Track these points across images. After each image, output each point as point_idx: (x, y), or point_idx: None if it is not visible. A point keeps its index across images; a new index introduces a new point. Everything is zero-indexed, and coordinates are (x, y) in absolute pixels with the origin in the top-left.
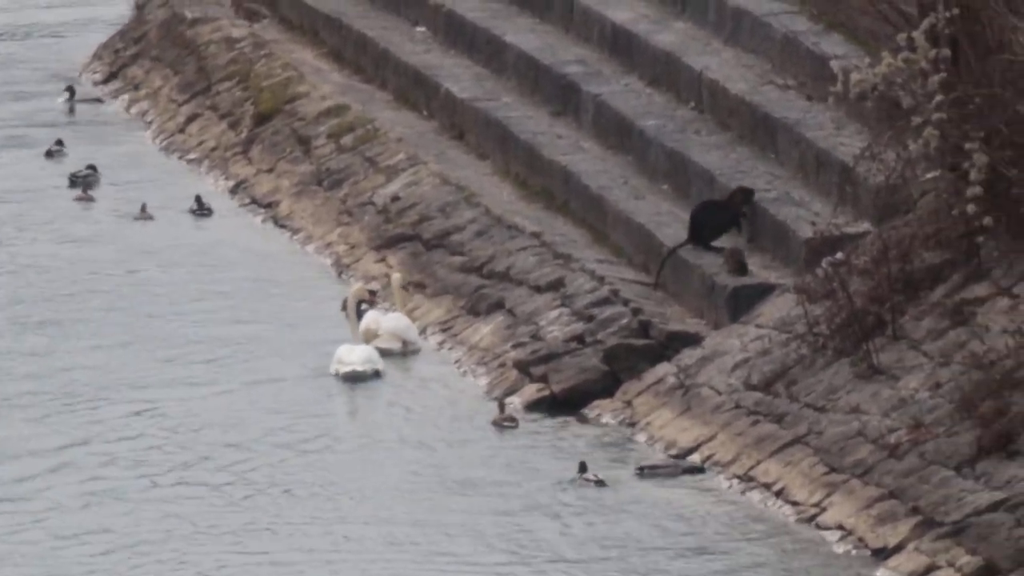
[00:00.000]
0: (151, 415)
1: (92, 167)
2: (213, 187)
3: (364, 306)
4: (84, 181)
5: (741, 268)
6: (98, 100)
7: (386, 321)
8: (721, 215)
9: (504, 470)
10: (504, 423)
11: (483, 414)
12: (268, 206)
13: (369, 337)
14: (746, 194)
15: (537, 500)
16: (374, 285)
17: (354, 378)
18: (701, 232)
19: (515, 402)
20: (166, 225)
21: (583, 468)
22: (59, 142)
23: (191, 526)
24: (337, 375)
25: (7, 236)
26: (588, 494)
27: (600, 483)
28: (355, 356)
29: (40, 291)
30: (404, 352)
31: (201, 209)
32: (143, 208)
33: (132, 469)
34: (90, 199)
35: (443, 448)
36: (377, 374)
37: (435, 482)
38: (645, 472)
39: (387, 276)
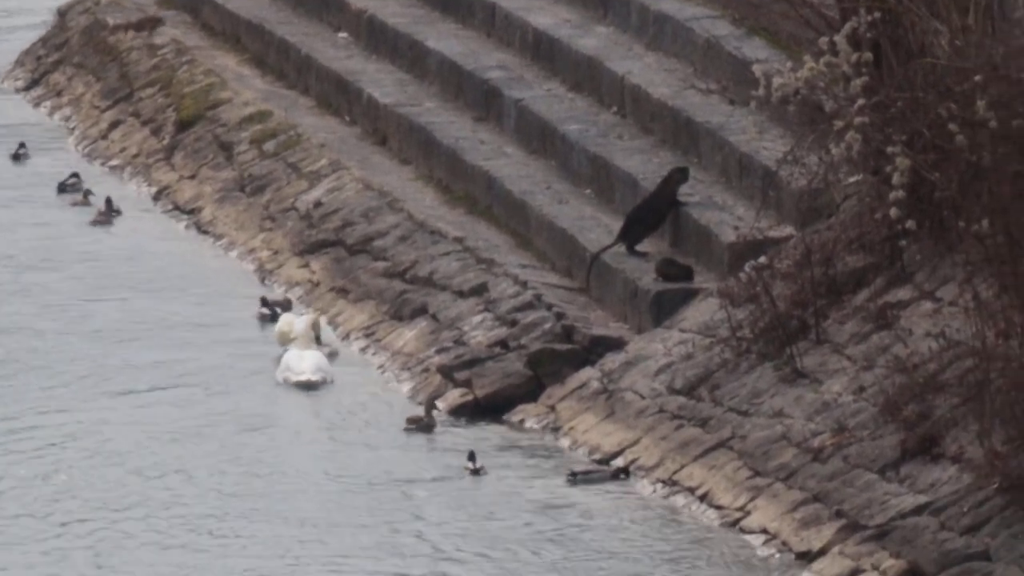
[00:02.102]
0: (72, 425)
1: (76, 174)
2: (136, 193)
3: (277, 310)
4: (74, 187)
5: (679, 273)
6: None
7: (300, 323)
8: (651, 214)
9: (416, 473)
10: (415, 424)
11: (402, 419)
12: (191, 212)
13: (283, 340)
14: (682, 172)
15: (451, 500)
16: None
17: (307, 387)
18: (628, 233)
19: (439, 407)
20: (87, 231)
21: (471, 457)
22: (75, 175)
23: (104, 532)
24: (287, 383)
25: None
26: (502, 498)
27: (476, 472)
28: (305, 364)
29: None
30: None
31: (110, 211)
32: (104, 206)
33: (52, 481)
34: (88, 204)
35: (359, 452)
36: (326, 383)
37: (347, 485)
38: (578, 478)
39: (310, 282)
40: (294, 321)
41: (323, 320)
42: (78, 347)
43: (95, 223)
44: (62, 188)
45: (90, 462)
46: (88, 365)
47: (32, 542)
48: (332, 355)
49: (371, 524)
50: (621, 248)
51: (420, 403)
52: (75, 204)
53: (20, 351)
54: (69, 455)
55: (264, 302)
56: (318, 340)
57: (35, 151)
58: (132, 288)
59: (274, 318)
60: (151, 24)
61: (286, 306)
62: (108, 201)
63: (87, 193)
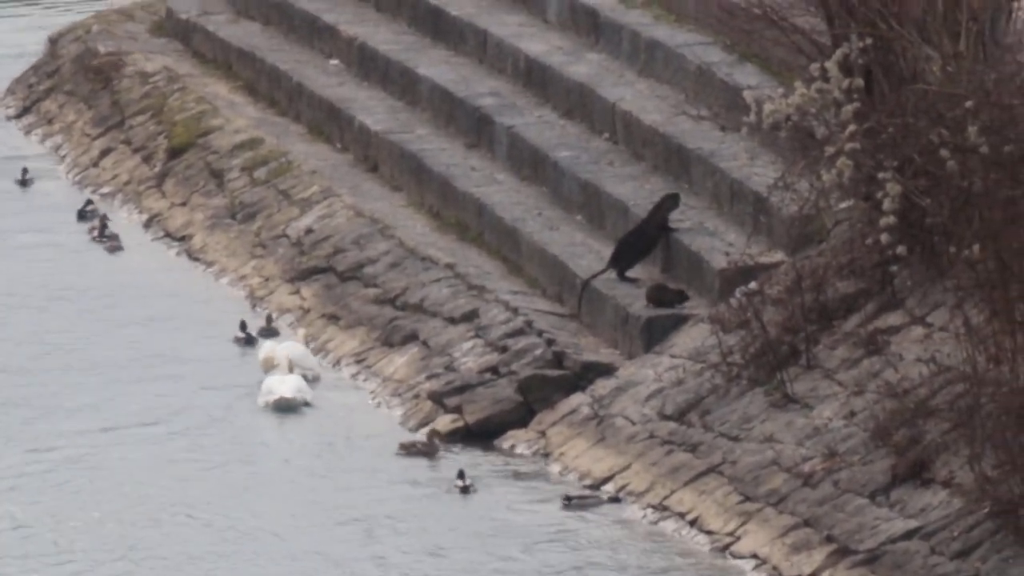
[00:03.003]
0: (64, 447)
1: (90, 200)
2: (126, 220)
3: (252, 334)
4: (92, 214)
5: (672, 298)
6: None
7: (282, 350)
8: (642, 240)
9: (408, 500)
10: (408, 450)
11: (394, 445)
12: (182, 239)
13: (267, 366)
14: (673, 199)
15: (440, 525)
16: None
17: (283, 407)
18: (620, 259)
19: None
20: (77, 259)
21: (461, 475)
22: (90, 201)
23: (90, 557)
24: (267, 405)
25: None
26: (493, 524)
27: (466, 489)
28: (285, 386)
29: None
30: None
31: (85, 208)
32: (109, 235)
33: (43, 500)
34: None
35: (349, 478)
36: (306, 404)
37: (338, 511)
38: (573, 503)
39: (301, 308)
40: (277, 348)
41: (299, 349)
42: (64, 376)
43: (111, 249)
44: (82, 215)
45: (79, 497)
46: (74, 394)
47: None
48: (313, 380)
49: (363, 548)
50: (612, 274)
51: (411, 429)
52: (94, 230)
53: (6, 381)
54: (55, 489)
55: (243, 326)
56: (290, 370)
57: (35, 180)
58: (122, 315)
59: (249, 341)
60: (114, 66)
61: (270, 332)
62: (103, 220)
63: (104, 219)
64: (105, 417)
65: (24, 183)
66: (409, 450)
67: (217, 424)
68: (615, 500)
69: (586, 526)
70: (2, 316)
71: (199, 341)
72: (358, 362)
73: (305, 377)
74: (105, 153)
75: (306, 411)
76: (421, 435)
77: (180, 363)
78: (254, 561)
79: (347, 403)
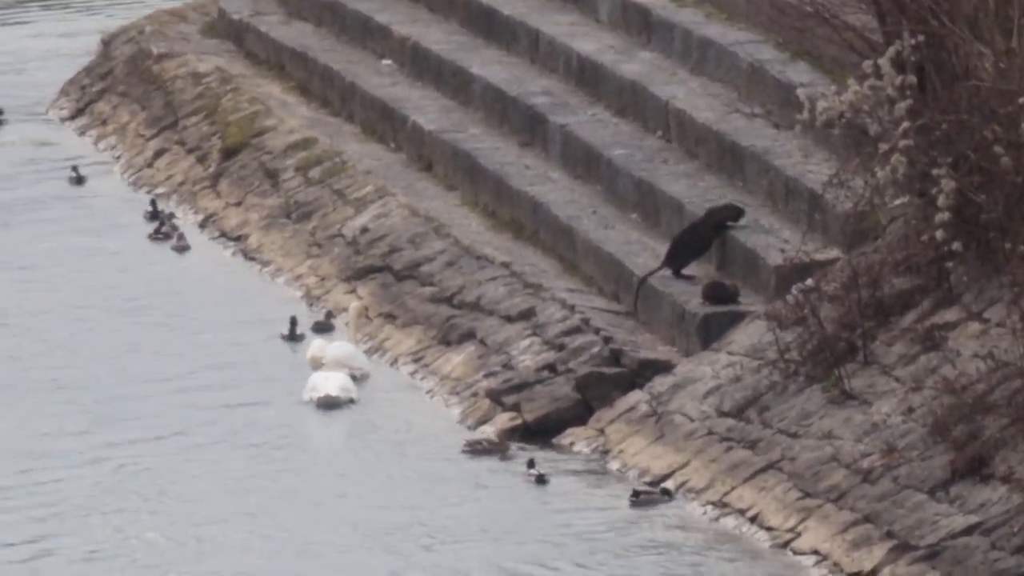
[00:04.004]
0: (121, 444)
1: (153, 201)
2: (182, 221)
3: (297, 330)
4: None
5: (726, 295)
6: None
7: (331, 350)
8: (696, 239)
9: (477, 499)
10: (474, 448)
11: (455, 443)
12: (237, 239)
13: (315, 365)
14: (736, 211)
15: (511, 526)
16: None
17: (328, 404)
18: (675, 257)
19: (488, 431)
20: (135, 260)
21: (531, 464)
22: (153, 202)
23: (154, 555)
24: (312, 401)
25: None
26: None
27: (541, 479)
28: (331, 384)
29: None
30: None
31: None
32: (178, 235)
33: (99, 495)
34: (175, 228)
35: (414, 478)
36: (352, 402)
37: (404, 511)
38: (641, 498)
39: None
40: (325, 346)
41: (347, 347)
42: (116, 371)
43: (178, 248)
44: (154, 216)
45: (131, 498)
46: (123, 392)
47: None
48: (362, 378)
49: (442, 544)
50: (668, 272)
51: (469, 427)
52: (161, 231)
53: (61, 374)
54: (107, 487)
55: (292, 322)
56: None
57: (88, 179)
58: (179, 315)
59: (292, 337)
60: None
61: (327, 327)
62: (163, 218)
63: (171, 216)
64: (168, 424)
65: (79, 180)
66: (475, 448)
67: (271, 423)
68: (666, 493)
69: (649, 524)
70: (81, 323)
71: (256, 339)
72: (415, 361)
73: (353, 376)
74: (159, 154)
75: (361, 410)
76: (480, 433)
77: (247, 364)
78: (304, 556)
79: (404, 401)
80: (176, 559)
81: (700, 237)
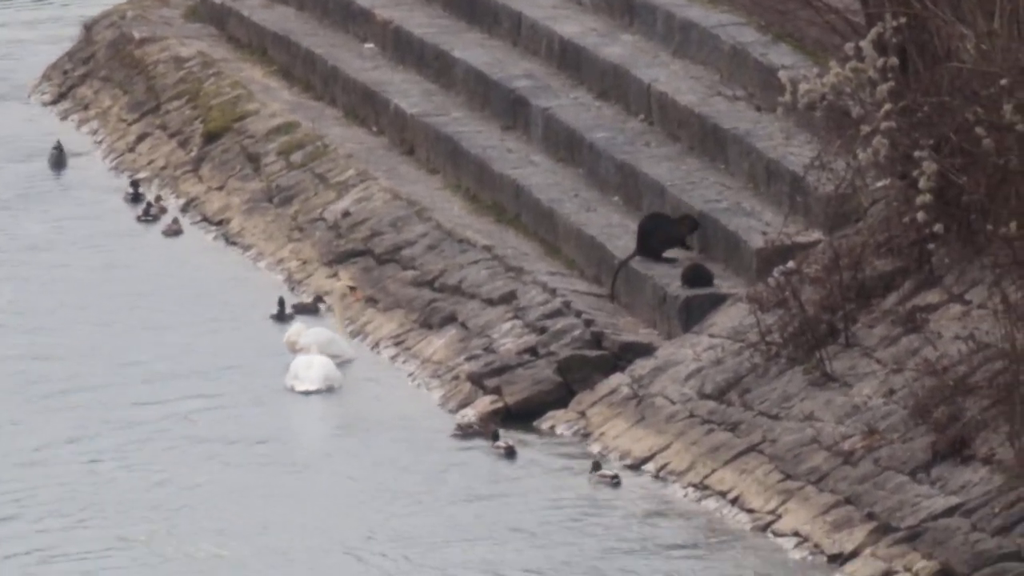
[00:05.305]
0: (102, 427)
1: (135, 182)
2: (164, 205)
3: (287, 311)
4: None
5: (703, 277)
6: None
7: (310, 335)
8: (669, 228)
9: (464, 480)
10: (465, 431)
11: (437, 426)
12: (219, 223)
13: (291, 348)
14: (692, 224)
15: (489, 504)
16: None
17: (311, 392)
18: (650, 243)
19: (469, 414)
20: (117, 244)
21: (597, 466)
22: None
23: (138, 544)
24: (293, 391)
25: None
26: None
27: (510, 452)
28: (313, 373)
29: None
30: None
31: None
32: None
33: (83, 484)
34: (164, 212)
35: (399, 461)
36: (332, 388)
37: (390, 495)
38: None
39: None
40: (303, 331)
41: (327, 333)
42: (97, 358)
43: (170, 232)
44: (135, 198)
45: (123, 487)
46: (106, 376)
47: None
48: (343, 363)
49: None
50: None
51: (450, 410)
52: (148, 213)
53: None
54: (99, 475)
55: (280, 303)
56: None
57: (70, 162)
58: (160, 299)
59: (280, 317)
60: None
61: (307, 309)
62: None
63: (159, 199)
64: (140, 396)
65: (60, 161)
66: (466, 431)
67: (252, 408)
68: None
69: (627, 505)
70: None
71: (242, 322)
72: (396, 344)
73: (334, 361)
74: (141, 138)
75: (343, 393)
76: (461, 417)
77: (224, 346)
78: (292, 540)
79: (386, 385)
80: (163, 546)
81: (670, 228)
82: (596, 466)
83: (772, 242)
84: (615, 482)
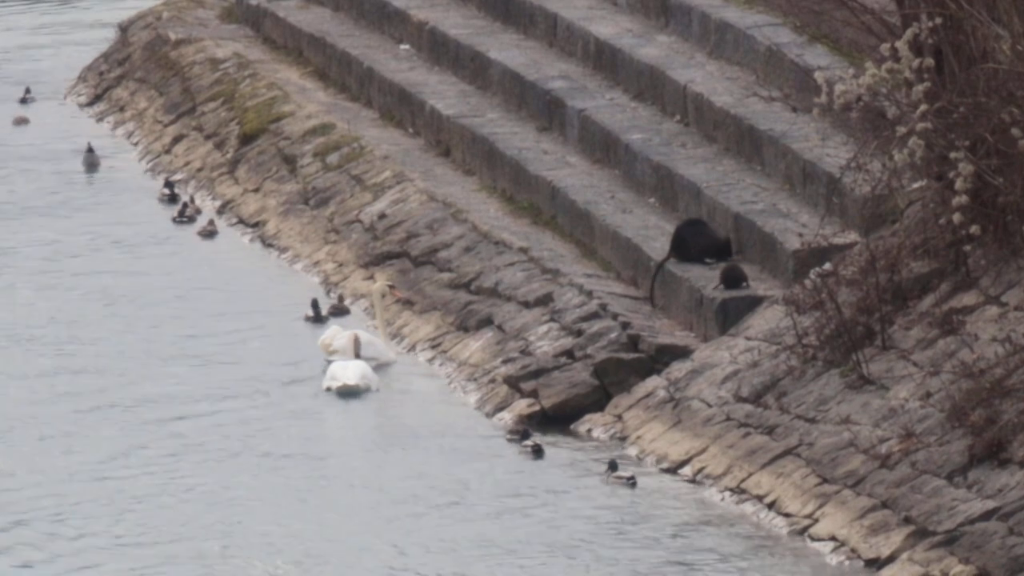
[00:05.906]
0: (139, 429)
1: (169, 183)
2: (200, 207)
3: (322, 312)
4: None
5: (738, 278)
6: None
7: (346, 335)
8: (707, 237)
9: (499, 483)
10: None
11: (473, 429)
12: (255, 225)
13: (326, 351)
14: (727, 245)
15: (529, 510)
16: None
17: (347, 393)
18: (686, 247)
19: (506, 418)
20: (155, 247)
21: (613, 467)
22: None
23: (173, 542)
24: (330, 390)
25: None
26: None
27: (538, 450)
28: (349, 372)
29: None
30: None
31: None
32: (210, 221)
33: (116, 480)
34: (199, 212)
35: (435, 463)
36: (369, 390)
37: (429, 496)
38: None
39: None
40: (337, 333)
41: (364, 336)
42: (130, 356)
43: (206, 233)
44: (172, 199)
45: (158, 486)
46: (140, 384)
47: (129, 514)
48: (380, 366)
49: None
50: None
51: (487, 413)
52: (183, 214)
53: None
54: (130, 478)
55: (314, 305)
56: (357, 355)
57: (104, 164)
58: (197, 300)
59: (317, 319)
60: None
61: (342, 311)
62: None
63: (193, 200)
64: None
65: (92, 164)
66: (519, 434)
67: (289, 414)
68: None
69: (664, 509)
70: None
71: (277, 324)
72: (433, 347)
73: (370, 363)
74: (177, 140)
75: (380, 396)
76: (498, 420)
77: (261, 347)
78: (327, 542)
79: (423, 389)
80: (200, 539)
81: (707, 237)
82: (612, 466)
83: (808, 244)
84: (631, 483)
